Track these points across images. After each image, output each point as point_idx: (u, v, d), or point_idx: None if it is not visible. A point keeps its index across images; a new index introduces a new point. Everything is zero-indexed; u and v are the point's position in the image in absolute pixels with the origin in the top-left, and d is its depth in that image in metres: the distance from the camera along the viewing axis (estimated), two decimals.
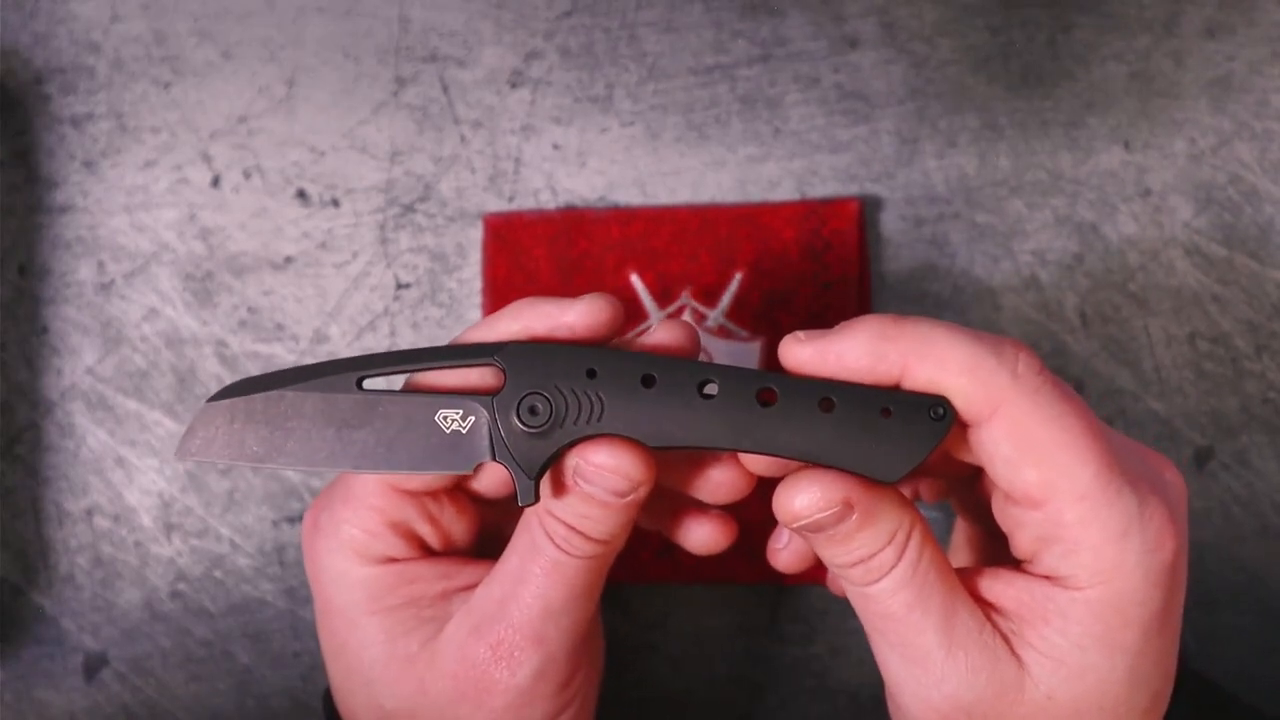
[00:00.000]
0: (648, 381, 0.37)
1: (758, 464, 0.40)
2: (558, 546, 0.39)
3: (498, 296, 0.53)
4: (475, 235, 0.54)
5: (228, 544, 0.54)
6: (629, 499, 0.38)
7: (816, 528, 0.37)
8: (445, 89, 0.55)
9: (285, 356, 0.54)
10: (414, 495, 0.42)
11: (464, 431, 0.38)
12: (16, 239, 0.55)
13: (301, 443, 0.38)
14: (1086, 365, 0.52)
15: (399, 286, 0.54)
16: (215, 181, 0.55)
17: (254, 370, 0.54)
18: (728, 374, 0.37)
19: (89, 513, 0.54)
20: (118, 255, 0.55)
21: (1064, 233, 0.53)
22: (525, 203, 0.54)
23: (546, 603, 0.39)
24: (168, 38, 0.55)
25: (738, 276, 0.53)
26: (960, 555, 0.48)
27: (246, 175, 0.55)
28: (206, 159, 0.55)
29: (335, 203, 0.55)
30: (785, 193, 0.53)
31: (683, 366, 0.37)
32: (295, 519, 0.54)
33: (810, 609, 0.53)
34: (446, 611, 0.41)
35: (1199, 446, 0.52)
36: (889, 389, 0.37)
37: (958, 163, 0.53)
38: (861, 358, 0.36)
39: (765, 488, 0.43)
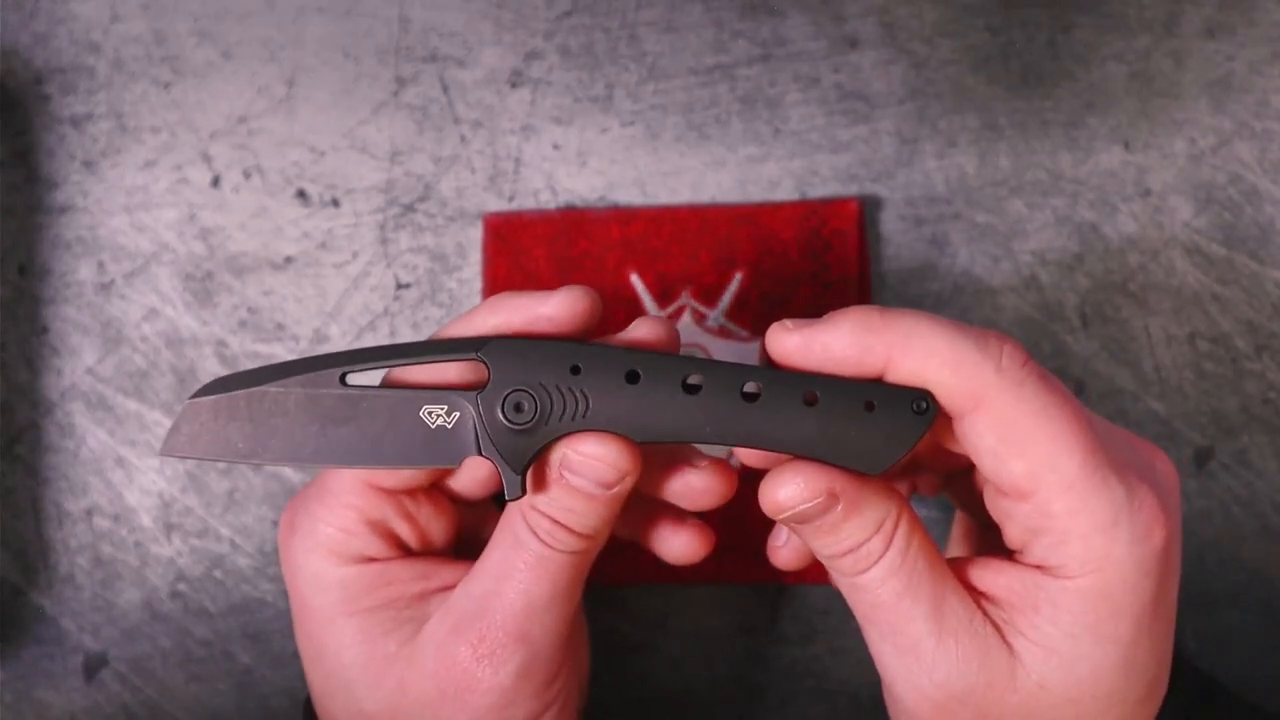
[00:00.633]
0: (632, 377, 0.37)
1: (750, 456, 0.40)
2: (542, 541, 0.39)
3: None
4: (475, 235, 0.54)
5: (228, 544, 0.54)
6: (614, 491, 0.38)
7: (803, 519, 0.37)
8: (445, 89, 0.55)
9: (285, 357, 0.54)
10: (391, 494, 0.41)
11: (449, 427, 0.38)
12: (16, 239, 0.55)
13: (286, 439, 0.38)
14: (1086, 365, 0.52)
15: (399, 286, 0.54)
16: (215, 181, 0.55)
17: None
18: (712, 368, 0.37)
19: (89, 513, 0.54)
20: (118, 255, 0.55)
21: (1064, 233, 0.53)
22: (525, 203, 0.54)
23: (530, 599, 0.39)
24: (168, 38, 0.55)
25: (738, 276, 0.53)
26: (959, 548, 0.48)
27: (246, 175, 0.55)
28: (206, 159, 0.55)
29: (335, 203, 0.55)
30: (785, 193, 0.53)
31: (667, 361, 0.37)
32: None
33: (810, 609, 0.53)
34: (425, 612, 0.41)
35: (1199, 446, 0.52)
36: (873, 382, 0.37)
37: (958, 163, 0.53)
38: (847, 349, 0.36)
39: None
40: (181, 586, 0.54)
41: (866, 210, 0.53)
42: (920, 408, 0.36)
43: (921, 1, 0.54)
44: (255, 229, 0.55)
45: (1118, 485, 0.36)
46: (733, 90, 0.54)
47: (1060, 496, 0.36)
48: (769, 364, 0.38)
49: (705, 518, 0.44)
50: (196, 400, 0.39)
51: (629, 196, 0.54)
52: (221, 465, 0.54)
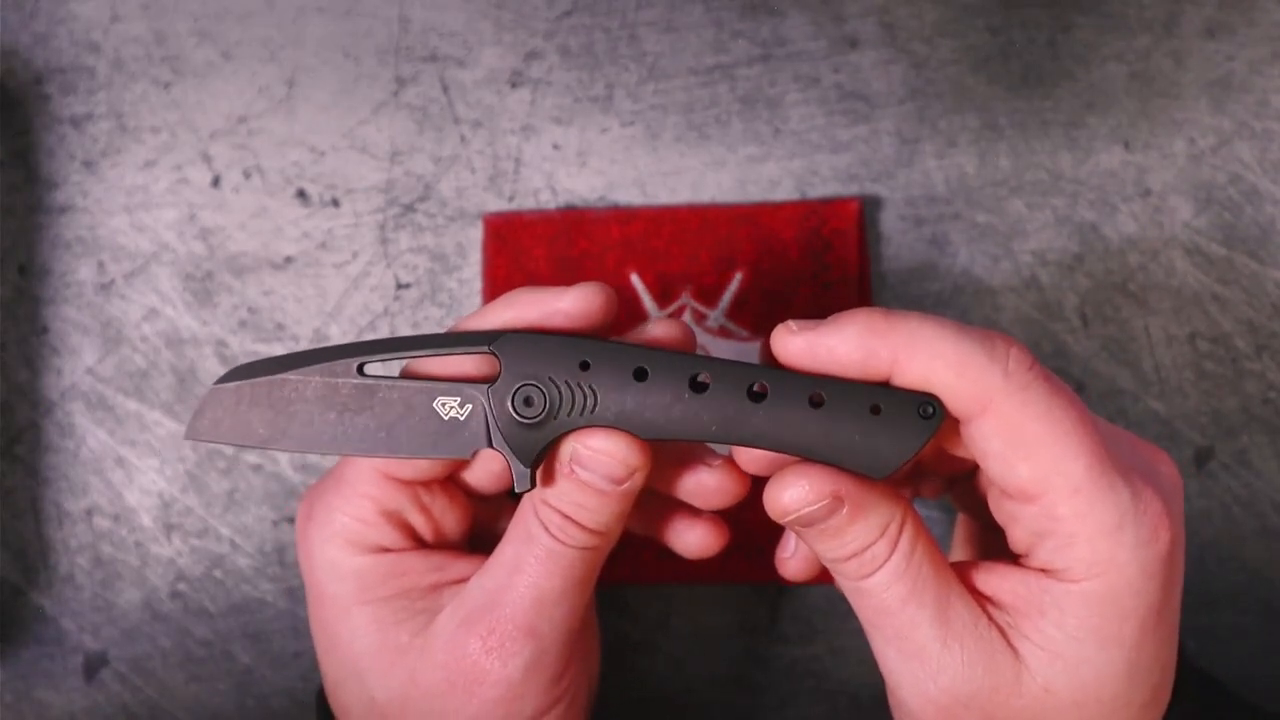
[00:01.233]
0: (640, 374, 0.37)
1: (753, 463, 0.40)
2: (553, 536, 0.39)
3: (497, 297, 0.53)
4: (475, 235, 0.54)
5: (228, 544, 0.54)
6: (625, 487, 0.38)
7: (807, 522, 0.37)
8: (445, 89, 0.55)
9: None
10: (407, 485, 0.42)
11: (461, 418, 0.39)
12: (16, 239, 0.55)
13: (304, 426, 0.39)
14: (1086, 365, 0.52)
15: (399, 286, 0.54)
16: (215, 181, 0.55)
17: None
18: (719, 368, 0.37)
19: (89, 513, 0.54)
20: (118, 255, 0.55)
21: (1064, 233, 0.53)
22: (525, 203, 0.54)
23: (540, 593, 0.39)
24: (168, 38, 0.55)
25: (738, 276, 0.53)
26: (962, 551, 0.48)
27: (246, 175, 0.55)
28: (206, 159, 0.55)
29: (335, 203, 0.55)
30: (785, 193, 0.53)
31: (675, 360, 0.37)
32: (295, 519, 0.54)
33: (810, 609, 0.53)
34: (438, 603, 0.41)
35: (1199, 446, 0.52)
36: (879, 385, 0.37)
37: (958, 163, 0.53)
38: (852, 353, 0.36)
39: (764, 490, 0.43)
40: (181, 586, 0.54)
41: (866, 210, 0.53)
42: (926, 412, 0.36)
43: (921, 1, 0.54)
44: (255, 229, 0.55)
45: (1123, 489, 0.36)
46: (733, 90, 0.54)
47: (1066, 500, 0.36)
48: (773, 365, 0.38)
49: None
50: (220, 386, 0.40)
51: (629, 196, 0.54)
52: (221, 465, 0.54)
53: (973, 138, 0.53)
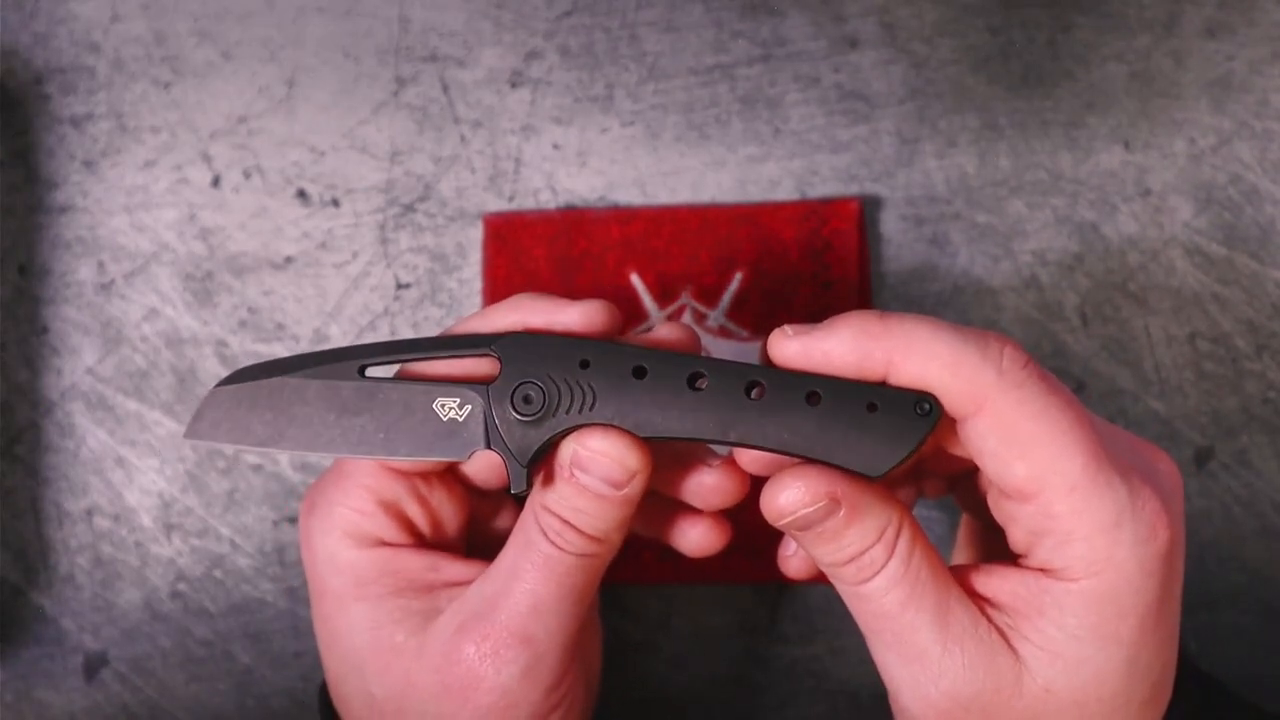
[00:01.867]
0: (639, 373, 0.38)
1: (753, 463, 0.40)
2: (551, 542, 0.39)
3: (498, 296, 0.53)
4: (475, 235, 0.54)
5: (228, 544, 0.54)
6: (624, 492, 0.38)
7: (804, 524, 0.37)
8: (445, 89, 0.55)
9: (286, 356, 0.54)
10: (405, 476, 0.42)
11: (460, 419, 0.39)
12: (16, 239, 0.55)
13: (303, 428, 0.40)
14: (1086, 365, 0.52)
15: (399, 286, 0.54)
16: (215, 181, 0.55)
17: None
18: (717, 367, 0.37)
19: (89, 513, 0.54)
20: (118, 255, 0.55)
21: (1064, 233, 0.53)
22: (525, 203, 0.54)
23: (536, 600, 0.39)
24: (168, 38, 0.55)
25: (738, 276, 0.53)
26: (966, 551, 0.48)
27: (246, 175, 0.55)
28: (206, 159, 0.55)
29: (335, 203, 0.55)
30: (785, 193, 0.53)
31: (674, 359, 0.38)
32: (295, 519, 0.54)
33: (810, 609, 0.53)
34: (434, 605, 0.41)
35: (1199, 446, 0.52)
36: (876, 385, 0.37)
37: (958, 163, 0.53)
38: (846, 356, 0.37)
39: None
40: (181, 586, 0.54)
41: (866, 210, 0.53)
42: (923, 410, 0.36)
43: (921, 1, 0.54)
44: (255, 229, 0.55)
45: (1120, 486, 0.36)
46: (733, 90, 0.54)
47: (1063, 498, 0.36)
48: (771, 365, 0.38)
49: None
50: (221, 388, 0.40)
51: (629, 196, 0.54)
52: (221, 465, 0.54)
53: (973, 138, 0.53)
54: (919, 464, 0.43)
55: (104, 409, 0.54)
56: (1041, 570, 0.37)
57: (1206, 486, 0.52)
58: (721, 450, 0.42)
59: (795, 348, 0.37)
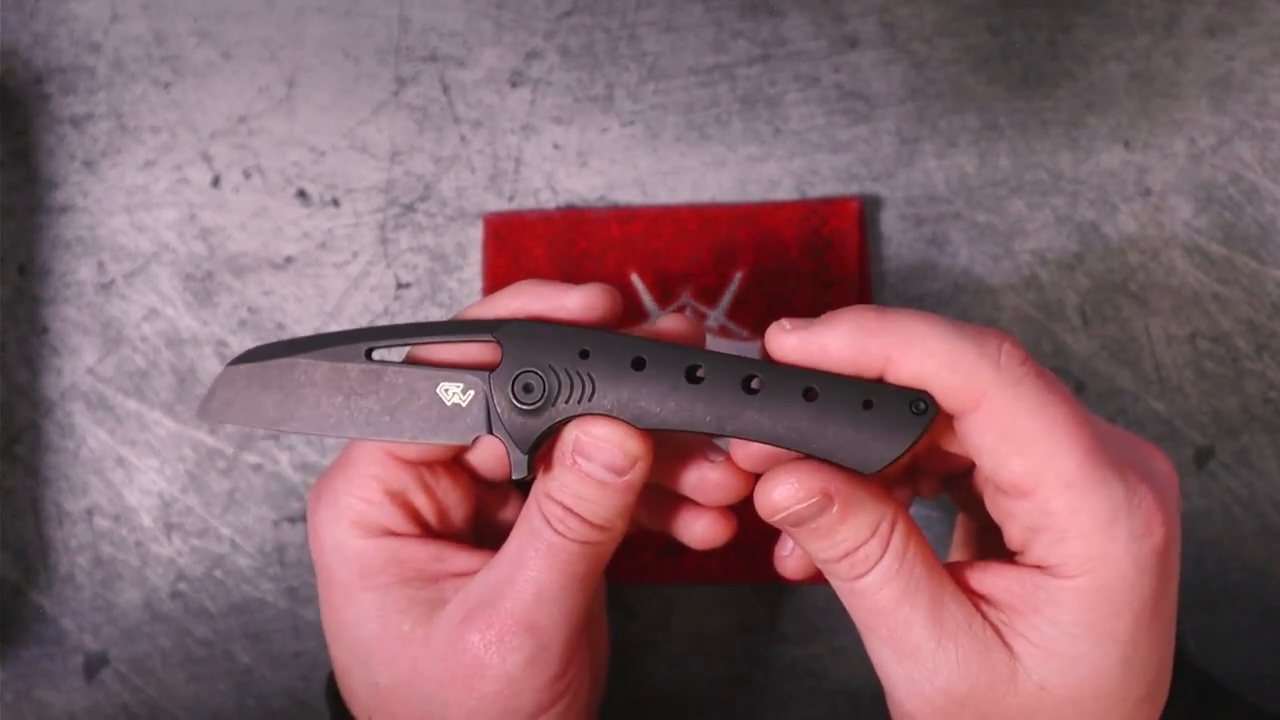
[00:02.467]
0: (638, 364, 0.38)
1: (749, 459, 0.40)
2: (554, 530, 0.39)
3: None
4: (475, 235, 0.54)
5: (228, 544, 0.54)
6: (626, 479, 0.38)
7: (798, 520, 0.37)
8: (445, 89, 0.55)
9: None
10: (412, 465, 0.42)
11: (463, 405, 0.39)
12: (16, 239, 0.55)
13: (312, 408, 0.40)
14: (1086, 365, 0.52)
15: (399, 286, 0.54)
16: (215, 181, 0.55)
17: None
18: (716, 360, 0.37)
19: (89, 513, 0.54)
20: (118, 255, 0.55)
21: (1064, 233, 0.53)
22: (525, 202, 0.54)
23: (540, 588, 0.40)
24: (168, 38, 0.55)
25: (738, 276, 0.53)
26: (962, 551, 0.48)
27: (246, 175, 0.55)
28: (206, 159, 0.55)
29: (335, 203, 0.55)
30: (785, 192, 0.53)
31: (673, 352, 0.38)
32: (295, 519, 0.54)
33: (810, 609, 0.53)
34: (439, 594, 0.41)
35: (1199, 446, 0.52)
36: (873, 382, 0.37)
37: (958, 163, 0.53)
38: (843, 350, 0.37)
39: None
40: (181, 586, 0.54)
41: (866, 210, 0.53)
42: (919, 408, 0.36)
43: (921, 1, 0.54)
44: (255, 229, 0.55)
45: (1116, 483, 0.36)
46: (733, 90, 0.54)
47: (1059, 494, 0.36)
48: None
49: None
50: (233, 367, 0.41)
51: (629, 196, 0.54)
52: (221, 465, 0.54)
53: (973, 138, 0.53)
54: (915, 463, 0.43)
55: (104, 409, 0.54)
56: (1037, 567, 0.37)
57: (1206, 486, 0.52)
58: (723, 444, 0.42)
59: (793, 342, 0.37)
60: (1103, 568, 0.36)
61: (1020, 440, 0.36)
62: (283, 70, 0.55)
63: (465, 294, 0.54)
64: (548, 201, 0.54)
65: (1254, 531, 0.52)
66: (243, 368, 0.41)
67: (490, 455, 0.43)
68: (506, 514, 0.46)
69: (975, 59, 0.53)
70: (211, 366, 0.54)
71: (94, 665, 0.54)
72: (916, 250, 0.53)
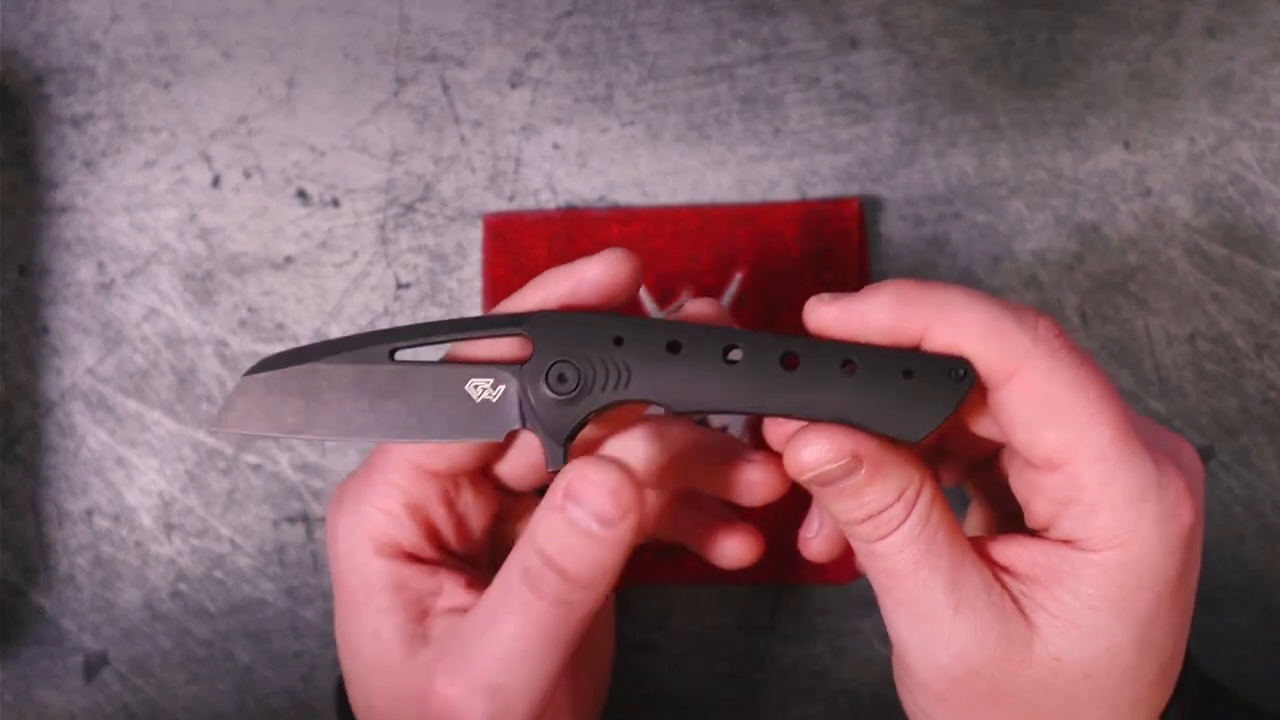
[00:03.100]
0: (673, 347, 0.37)
1: (781, 439, 0.39)
2: (530, 587, 0.38)
3: (498, 296, 0.53)
4: (475, 235, 0.54)
5: (228, 544, 0.54)
6: (615, 532, 0.38)
7: (826, 480, 0.37)
8: (445, 89, 0.55)
9: None
10: (436, 476, 0.42)
11: (494, 400, 0.39)
12: (16, 239, 0.55)
13: (336, 414, 0.39)
14: None
15: (399, 286, 0.54)
16: (215, 181, 0.55)
17: None
18: (752, 339, 0.37)
19: (89, 513, 0.54)
20: (118, 255, 0.55)
21: (1064, 233, 0.53)
22: (525, 203, 0.54)
23: (506, 649, 0.38)
24: (168, 38, 0.55)
25: (738, 276, 0.53)
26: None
27: (246, 175, 0.55)
28: (206, 159, 0.55)
29: (335, 203, 0.55)
30: (785, 193, 0.53)
31: (708, 333, 0.37)
32: (295, 519, 0.54)
33: (810, 609, 0.53)
34: (427, 631, 0.41)
35: (1199, 446, 0.52)
36: (910, 351, 0.37)
37: (958, 163, 0.53)
38: (884, 318, 0.37)
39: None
40: (181, 586, 0.54)
41: (866, 210, 0.53)
42: (958, 374, 0.36)
43: (921, 1, 0.54)
44: (255, 229, 0.55)
45: (1148, 461, 0.36)
46: (733, 90, 0.54)
47: (1092, 467, 0.36)
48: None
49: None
50: (250, 376, 0.40)
51: (629, 196, 0.54)
52: (221, 465, 0.54)
53: (973, 138, 0.53)
54: (938, 445, 0.43)
55: (104, 409, 0.54)
56: (1063, 541, 0.37)
57: (1207, 486, 0.52)
58: (736, 430, 0.42)
59: (833, 312, 0.37)
60: (1130, 543, 0.36)
61: (1055, 412, 0.36)
62: (283, 70, 0.55)
63: (465, 294, 0.54)
64: (548, 202, 0.54)
65: (1254, 531, 0.52)
66: (260, 376, 0.39)
67: (520, 462, 0.43)
68: (526, 525, 0.46)
69: (975, 59, 0.53)
70: (211, 366, 0.54)
71: (94, 665, 0.54)
72: (916, 250, 0.53)
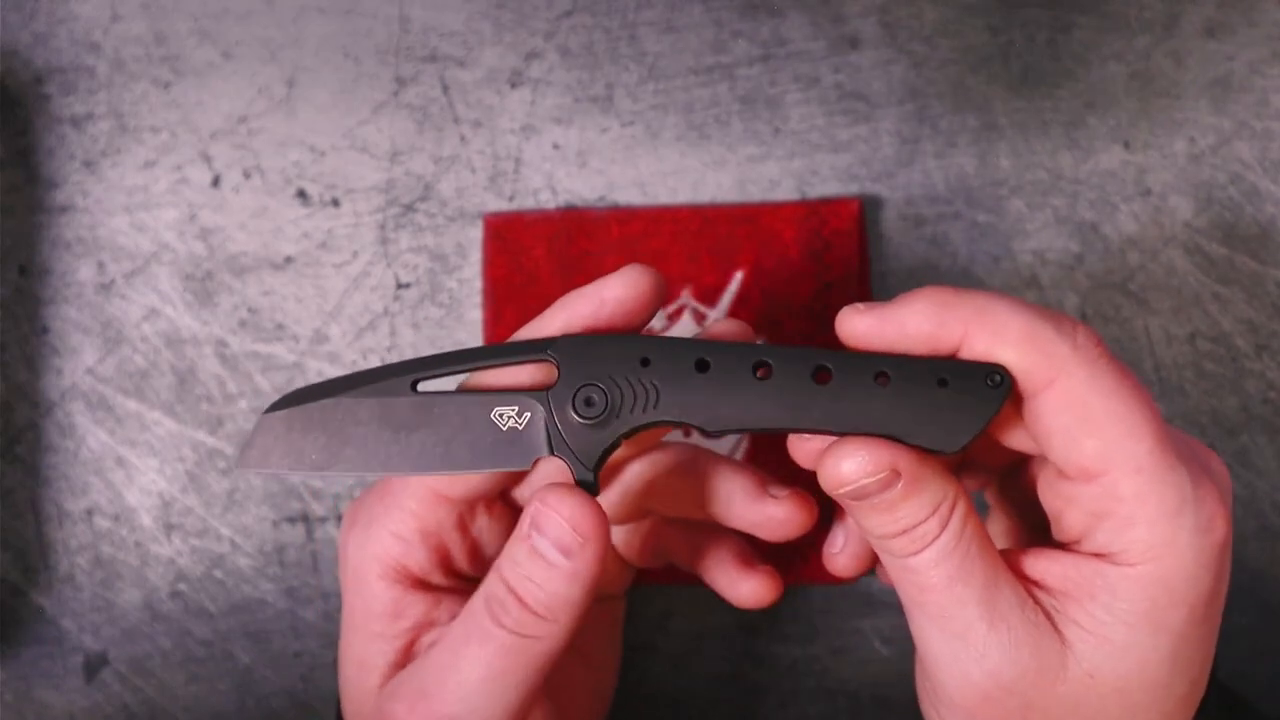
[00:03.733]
0: (702, 366, 0.37)
1: (807, 456, 0.39)
2: (491, 616, 0.38)
3: (498, 296, 0.53)
4: (475, 235, 0.54)
5: (228, 544, 0.54)
6: (572, 565, 0.37)
7: (862, 494, 0.36)
8: (445, 89, 0.55)
9: (286, 356, 0.54)
10: (454, 503, 0.41)
11: (520, 428, 0.38)
12: (16, 239, 0.55)
13: (360, 448, 0.38)
14: None
15: (399, 286, 0.54)
16: (215, 181, 0.55)
17: (255, 370, 0.54)
18: (782, 354, 0.37)
19: (89, 513, 0.54)
20: (118, 255, 0.55)
21: (1064, 233, 0.53)
22: (525, 203, 0.54)
23: (464, 681, 0.38)
24: (168, 38, 0.55)
25: (738, 276, 0.53)
26: None
27: (246, 175, 0.55)
28: (206, 159, 0.55)
29: (335, 203, 0.55)
30: (785, 193, 0.53)
31: (736, 349, 0.37)
32: (295, 519, 0.54)
33: (810, 609, 0.53)
34: (408, 659, 0.41)
35: None
36: (945, 359, 0.36)
37: (958, 163, 0.53)
38: (922, 324, 0.36)
39: None
40: (181, 586, 0.54)
41: (866, 210, 0.53)
42: (995, 381, 0.36)
43: (921, 1, 0.54)
44: (255, 229, 0.55)
45: (1184, 474, 0.35)
46: (733, 90, 0.54)
47: (1129, 478, 0.35)
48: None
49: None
50: (270, 415, 0.39)
51: (629, 196, 0.54)
52: (221, 465, 0.54)
53: (973, 138, 0.53)
54: (968, 455, 0.43)
55: (104, 409, 0.54)
56: (1096, 555, 0.36)
57: None
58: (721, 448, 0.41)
59: (869, 321, 0.36)
60: (1166, 557, 0.35)
61: (1094, 421, 0.35)
62: (283, 70, 0.55)
63: (465, 294, 0.54)
64: (548, 202, 0.54)
65: (1254, 531, 0.52)
66: (281, 413, 0.39)
67: (540, 485, 0.42)
68: None
69: (975, 59, 0.53)
70: (211, 366, 0.54)
71: (94, 665, 0.54)
72: (916, 250, 0.53)
